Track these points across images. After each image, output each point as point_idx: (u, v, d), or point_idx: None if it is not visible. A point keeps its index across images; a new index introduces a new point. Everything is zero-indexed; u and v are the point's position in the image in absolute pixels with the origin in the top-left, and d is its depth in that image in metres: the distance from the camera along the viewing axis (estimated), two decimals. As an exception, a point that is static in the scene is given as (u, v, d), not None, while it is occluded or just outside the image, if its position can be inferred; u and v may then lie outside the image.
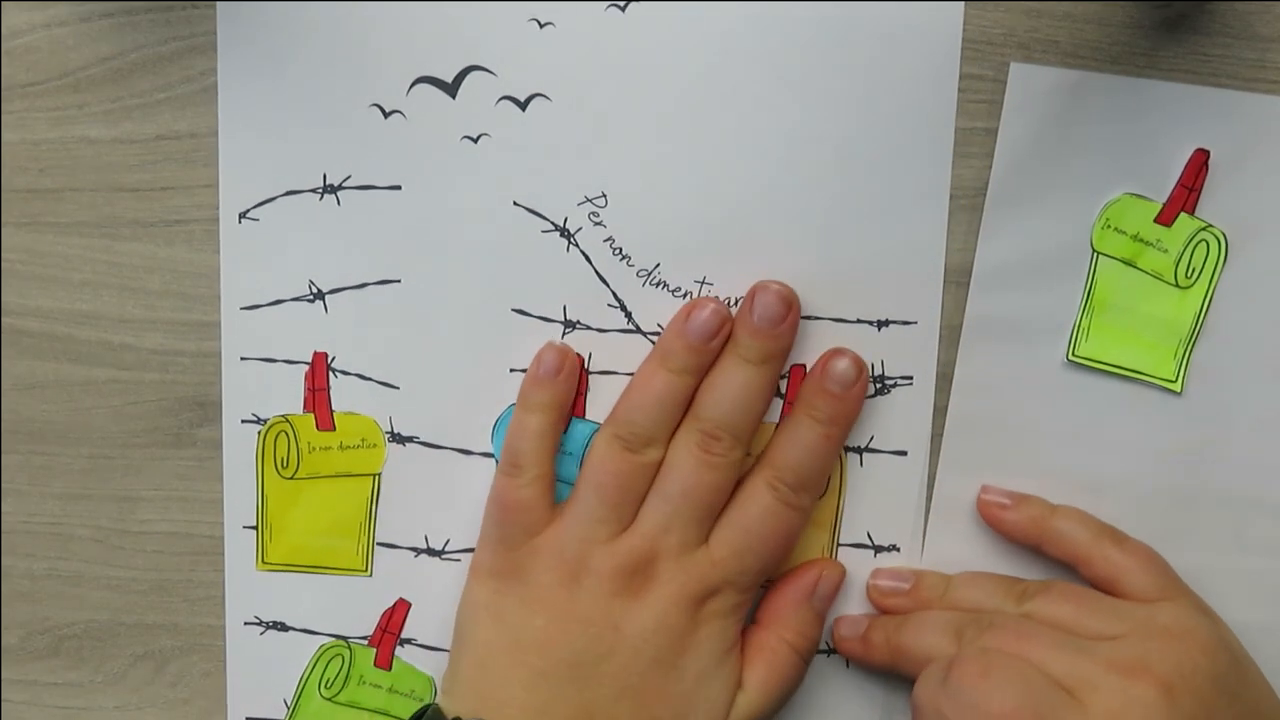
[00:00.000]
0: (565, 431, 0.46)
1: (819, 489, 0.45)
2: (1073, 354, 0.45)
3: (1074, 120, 0.44)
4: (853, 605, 0.46)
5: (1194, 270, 0.44)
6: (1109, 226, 0.44)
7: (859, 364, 0.44)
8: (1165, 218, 0.44)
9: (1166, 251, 0.44)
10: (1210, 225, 0.44)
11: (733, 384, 0.43)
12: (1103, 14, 0.43)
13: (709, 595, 0.44)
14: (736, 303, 0.45)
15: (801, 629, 0.45)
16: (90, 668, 0.48)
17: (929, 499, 0.46)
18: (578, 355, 0.45)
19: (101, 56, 0.45)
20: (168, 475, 0.47)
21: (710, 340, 0.44)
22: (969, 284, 0.44)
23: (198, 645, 0.48)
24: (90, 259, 0.46)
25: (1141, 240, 0.44)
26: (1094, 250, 0.44)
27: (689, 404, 0.44)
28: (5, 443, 0.47)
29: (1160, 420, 0.45)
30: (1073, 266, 0.44)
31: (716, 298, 0.45)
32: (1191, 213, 0.44)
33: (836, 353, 0.44)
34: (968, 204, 0.44)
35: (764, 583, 0.46)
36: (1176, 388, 0.44)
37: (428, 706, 0.44)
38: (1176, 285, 0.44)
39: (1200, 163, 0.43)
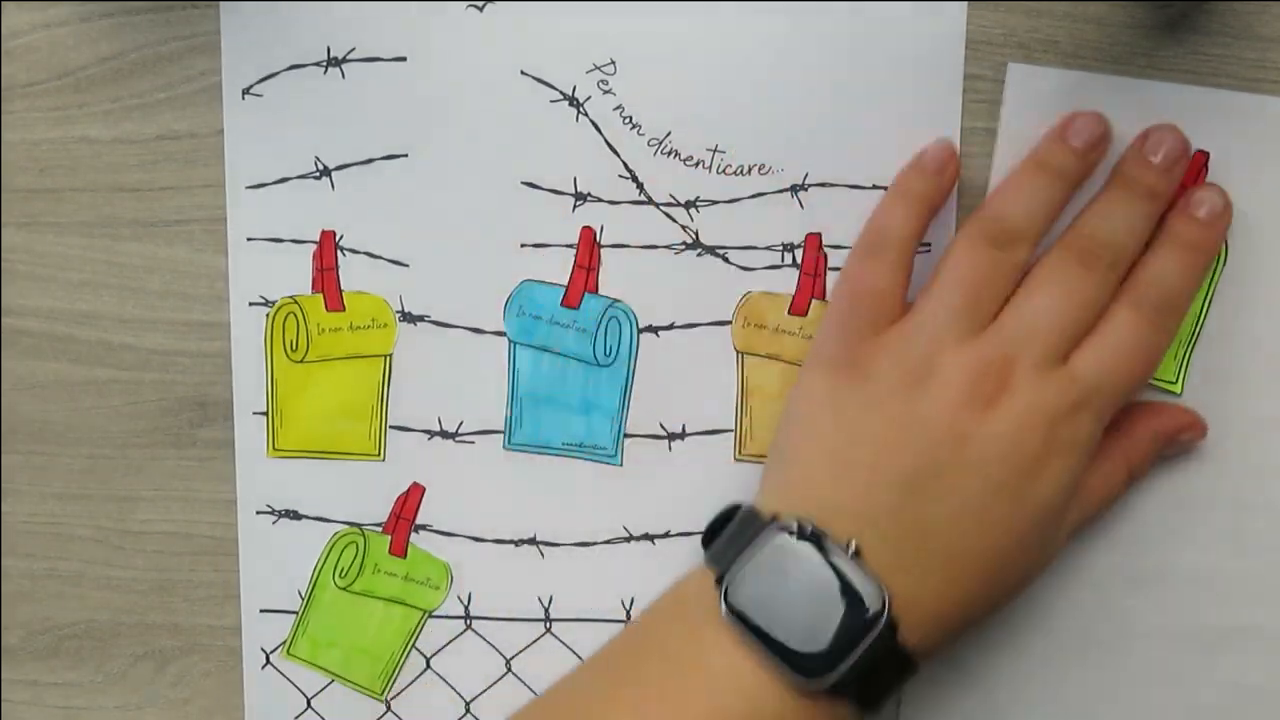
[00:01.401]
0: (579, 305, 0.45)
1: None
2: (1073, 354, 0.44)
3: (1074, 120, 0.44)
4: None
5: (1194, 271, 0.44)
6: (1109, 227, 0.44)
7: (1223, 195, 0.42)
8: (1165, 218, 0.44)
9: (1166, 252, 0.44)
10: (1210, 226, 0.44)
11: (1119, 208, 0.41)
12: (1103, 14, 0.43)
13: (1065, 416, 0.40)
14: (758, 170, 0.44)
15: (1144, 461, 0.43)
16: (91, 668, 0.48)
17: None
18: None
19: (101, 56, 0.45)
20: (168, 475, 0.47)
21: (1091, 150, 0.42)
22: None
23: (198, 645, 0.48)
24: (90, 259, 0.46)
25: (1141, 241, 0.44)
26: (1094, 251, 0.44)
27: (1055, 219, 0.42)
28: (5, 443, 0.47)
29: (1160, 421, 0.45)
30: (1073, 267, 0.44)
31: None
32: (1192, 213, 0.44)
33: (1207, 187, 0.42)
34: (968, 204, 0.44)
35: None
36: (1177, 389, 0.44)
37: (735, 507, 0.41)
38: (1176, 286, 0.44)
39: (1200, 164, 0.43)
